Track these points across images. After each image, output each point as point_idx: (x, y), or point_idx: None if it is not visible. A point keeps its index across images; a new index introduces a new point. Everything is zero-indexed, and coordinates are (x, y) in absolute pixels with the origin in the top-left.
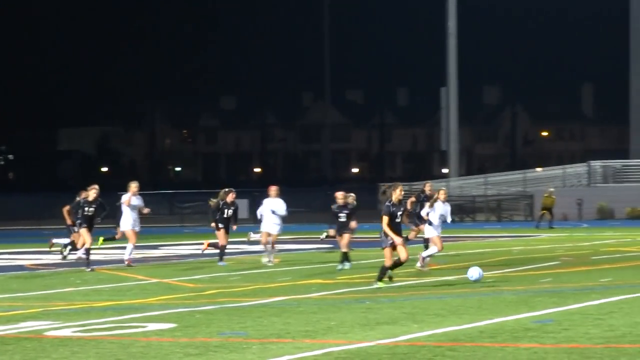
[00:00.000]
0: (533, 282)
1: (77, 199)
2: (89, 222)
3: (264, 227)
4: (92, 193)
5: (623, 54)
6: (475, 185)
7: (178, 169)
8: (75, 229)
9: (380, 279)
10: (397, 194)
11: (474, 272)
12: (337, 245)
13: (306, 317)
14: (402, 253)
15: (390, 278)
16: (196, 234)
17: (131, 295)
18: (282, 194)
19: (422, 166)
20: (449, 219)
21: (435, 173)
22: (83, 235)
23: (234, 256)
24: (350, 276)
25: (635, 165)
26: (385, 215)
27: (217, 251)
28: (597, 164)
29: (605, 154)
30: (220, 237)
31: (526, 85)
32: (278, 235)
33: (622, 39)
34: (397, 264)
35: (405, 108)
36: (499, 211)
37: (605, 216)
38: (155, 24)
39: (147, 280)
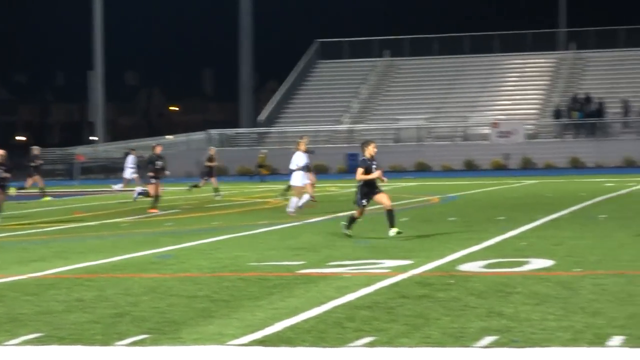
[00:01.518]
0: (159, 226)
1: None
2: None
3: None
4: None
5: (235, 44)
6: (118, 149)
7: None
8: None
9: (348, 227)
10: (369, 150)
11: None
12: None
13: None
14: (385, 200)
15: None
16: None
17: None
18: None
19: (76, 134)
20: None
21: (85, 140)
22: None
23: None
24: (13, 224)
25: (244, 133)
26: (361, 167)
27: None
28: (215, 132)
29: (222, 124)
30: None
31: (159, 69)
32: None
33: (234, 31)
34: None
35: (62, 87)
36: (138, 169)
37: (221, 173)
38: None
39: None
